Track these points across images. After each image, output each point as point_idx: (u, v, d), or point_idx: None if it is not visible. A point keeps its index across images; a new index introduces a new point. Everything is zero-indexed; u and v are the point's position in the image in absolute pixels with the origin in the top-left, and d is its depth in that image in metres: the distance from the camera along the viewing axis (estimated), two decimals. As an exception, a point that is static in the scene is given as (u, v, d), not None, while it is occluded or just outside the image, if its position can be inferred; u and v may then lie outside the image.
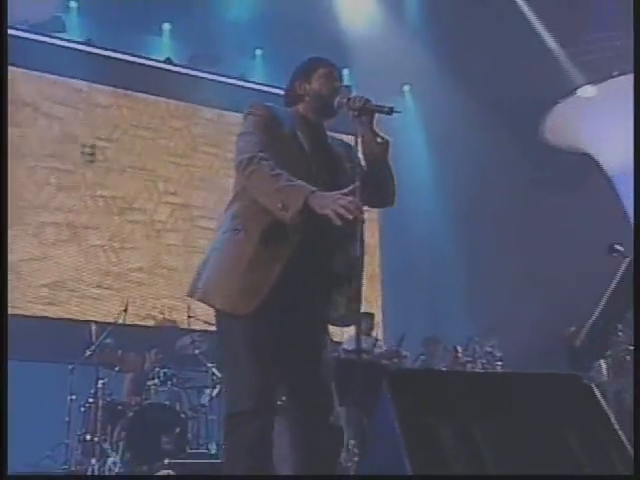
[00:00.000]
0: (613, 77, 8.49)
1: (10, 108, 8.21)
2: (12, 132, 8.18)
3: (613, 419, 1.75)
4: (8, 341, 2.45)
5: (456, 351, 6.70)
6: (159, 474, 5.01)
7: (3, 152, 3.02)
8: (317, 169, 2.60)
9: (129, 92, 9.04)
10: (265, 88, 9.40)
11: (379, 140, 2.64)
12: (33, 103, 8.47)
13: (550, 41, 8.70)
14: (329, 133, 2.74)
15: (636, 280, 2.95)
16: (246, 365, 2.41)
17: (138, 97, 9.11)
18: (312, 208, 2.31)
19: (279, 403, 2.53)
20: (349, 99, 2.64)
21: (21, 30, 8.35)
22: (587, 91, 8.83)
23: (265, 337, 2.44)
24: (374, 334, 6.60)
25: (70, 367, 6.21)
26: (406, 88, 10.35)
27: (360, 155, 2.65)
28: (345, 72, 7.47)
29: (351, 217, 2.26)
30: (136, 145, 8.94)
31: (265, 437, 2.38)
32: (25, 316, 7.74)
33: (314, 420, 2.49)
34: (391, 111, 2.57)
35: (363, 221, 2.37)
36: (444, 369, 6.49)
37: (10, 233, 7.96)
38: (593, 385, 1.87)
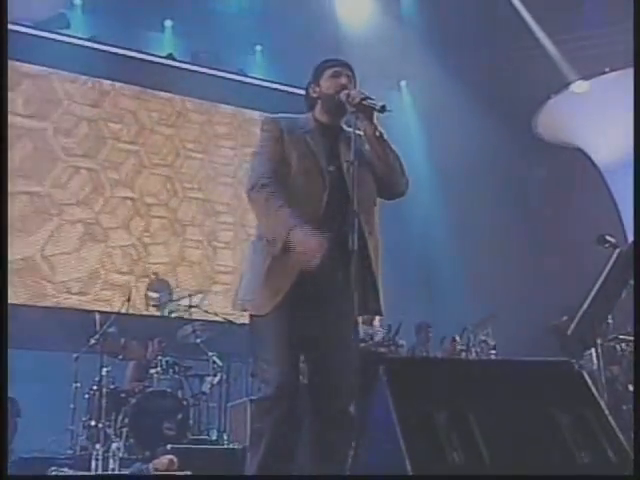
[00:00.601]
0: (605, 73, 8.48)
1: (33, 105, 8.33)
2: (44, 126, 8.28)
3: (604, 406, 1.74)
4: (9, 332, 2.44)
5: (454, 340, 6.71)
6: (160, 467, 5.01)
7: (3, 150, 3.01)
8: (330, 175, 2.65)
9: (137, 87, 9.04)
10: (265, 84, 9.41)
11: (377, 134, 2.66)
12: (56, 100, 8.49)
13: (543, 37, 8.68)
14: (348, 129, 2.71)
15: (636, 279, 2.94)
16: (270, 356, 2.51)
17: (147, 93, 9.11)
18: (292, 246, 2.45)
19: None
20: (348, 95, 2.66)
21: (25, 27, 8.32)
22: (580, 86, 8.81)
23: (287, 331, 2.52)
24: (375, 323, 6.61)
25: (75, 355, 6.22)
26: (403, 83, 10.33)
27: (366, 148, 2.69)
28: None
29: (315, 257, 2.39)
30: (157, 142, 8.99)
31: (287, 423, 2.46)
32: (36, 307, 7.78)
33: (328, 409, 2.51)
34: (383, 109, 2.59)
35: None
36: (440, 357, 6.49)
37: (48, 227, 8.14)
38: (584, 372, 1.88)
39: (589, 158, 9.27)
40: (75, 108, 8.64)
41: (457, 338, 6.81)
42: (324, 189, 2.62)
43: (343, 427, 2.46)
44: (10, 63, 8.12)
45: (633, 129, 4.98)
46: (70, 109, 8.60)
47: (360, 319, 2.58)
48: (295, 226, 2.46)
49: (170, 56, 9.21)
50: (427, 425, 1.60)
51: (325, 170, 2.65)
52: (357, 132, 2.63)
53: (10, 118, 7.79)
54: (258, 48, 9.69)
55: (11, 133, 7.83)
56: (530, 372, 1.83)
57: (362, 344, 5.62)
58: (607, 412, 1.74)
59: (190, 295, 6.99)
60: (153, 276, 7.83)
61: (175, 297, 7.35)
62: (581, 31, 8.46)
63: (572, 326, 3.13)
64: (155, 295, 7.46)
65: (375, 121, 2.65)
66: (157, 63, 9.18)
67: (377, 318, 6.69)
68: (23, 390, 6.54)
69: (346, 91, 2.68)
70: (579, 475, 1.60)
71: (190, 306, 6.85)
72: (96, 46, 8.75)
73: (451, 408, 1.63)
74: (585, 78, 8.73)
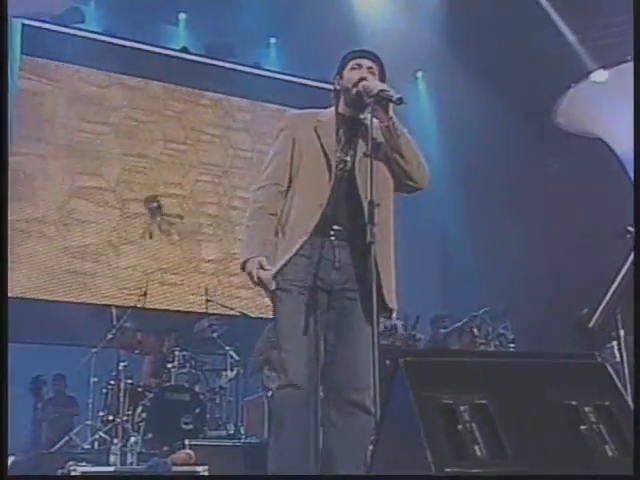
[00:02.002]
0: (627, 61, 8.38)
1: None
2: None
3: (628, 398, 1.73)
4: (8, 327, 2.48)
5: (472, 332, 6.68)
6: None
7: (3, 148, 3.04)
8: (343, 167, 2.69)
9: (148, 80, 9.07)
10: (279, 76, 9.40)
11: (393, 126, 2.67)
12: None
13: (563, 25, 8.59)
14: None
15: (636, 278, 2.92)
16: (288, 343, 2.57)
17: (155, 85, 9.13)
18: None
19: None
20: (365, 87, 2.66)
21: (40, 21, 8.37)
22: (600, 75, 8.72)
23: (305, 322, 2.57)
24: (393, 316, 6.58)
25: (93, 350, 6.27)
26: (419, 74, 10.28)
27: (383, 140, 2.70)
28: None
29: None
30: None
31: (306, 408, 2.52)
32: (49, 301, 7.85)
33: (346, 402, 2.57)
34: (400, 101, 2.59)
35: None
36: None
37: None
38: (607, 365, 1.86)
39: (609, 148, 9.19)
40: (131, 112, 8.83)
41: (475, 331, 6.78)
42: (329, 181, 2.65)
43: (361, 420, 2.47)
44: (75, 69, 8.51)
45: (633, 129, 4.93)
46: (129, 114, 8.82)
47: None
48: (251, 257, 2.60)
49: (184, 49, 9.23)
50: (448, 418, 1.59)
51: (334, 163, 2.68)
52: (374, 124, 2.64)
53: (80, 125, 8.50)
54: (273, 40, 9.69)
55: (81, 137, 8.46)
56: (552, 364, 1.82)
57: (381, 338, 5.62)
58: (632, 406, 1.72)
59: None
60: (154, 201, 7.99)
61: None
62: (601, 19, 8.37)
63: (594, 318, 3.10)
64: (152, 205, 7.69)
65: (391, 113, 2.65)
66: (171, 56, 9.21)
67: (394, 312, 6.66)
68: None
69: (364, 82, 2.69)
70: (579, 475, 1.58)
71: (207, 300, 6.90)
72: (110, 40, 8.79)
73: (472, 400, 1.62)
74: (606, 67, 8.63)
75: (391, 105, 2.63)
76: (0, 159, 2.91)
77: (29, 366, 6.47)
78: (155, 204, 8.00)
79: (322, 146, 2.71)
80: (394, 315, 2.81)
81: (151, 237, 8.25)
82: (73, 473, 4.17)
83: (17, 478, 4.17)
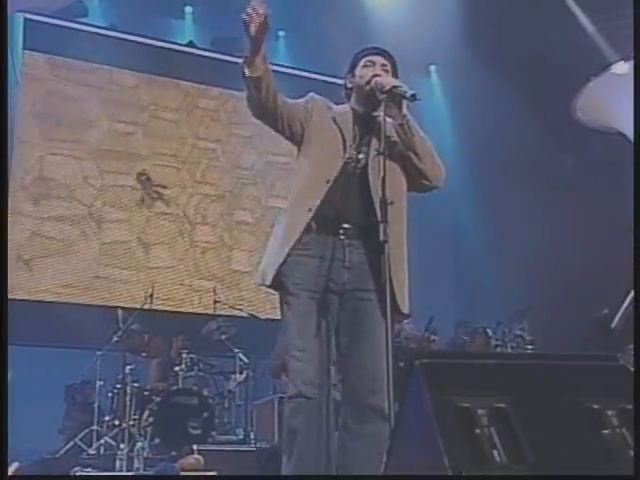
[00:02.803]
0: (648, 53, 8.32)
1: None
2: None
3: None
4: (8, 329, 2.50)
5: (486, 334, 6.66)
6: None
7: (3, 146, 3.06)
8: (351, 170, 2.70)
9: (153, 76, 9.08)
10: (288, 71, 9.39)
11: (406, 123, 2.68)
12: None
13: (583, 16, 8.54)
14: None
15: (636, 278, 2.90)
16: (298, 350, 2.56)
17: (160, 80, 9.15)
18: None
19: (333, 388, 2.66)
20: (377, 82, 2.68)
21: (43, 15, 8.40)
22: (621, 67, 8.66)
23: (316, 324, 2.58)
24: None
25: (98, 353, 6.29)
26: (432, 68, 10.27)
27: (396, 138, 2.71)
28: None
29: None
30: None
31: (320, 419, 2.52)
32: (54, 302, 7.87)
33: (362, 405, 2.56)
34: (413, 98, 2.59)
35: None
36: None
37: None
38: (630, 367, 1.85)
39: (630, 142, 9.13)
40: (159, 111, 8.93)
41: (488, 331, 6.76)
42: (341, 160, 2.69)
43: (379, 425, 2.47)
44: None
45: (634, 129, 4.91)
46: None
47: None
48: None
49: (191, 43, 9.25)
50: (466, 422, 1.58)
51: (348, 147, 2.70)
52: (387, 121, 2.64)
53: (110, 125, 8.65)
54: (281, 34, 9.68)
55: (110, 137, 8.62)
56: (573, 366, 1.81)
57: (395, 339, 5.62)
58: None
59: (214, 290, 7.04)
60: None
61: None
62: (621, 9, 8.31)
63: (616, 319, 3.09)
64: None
65: (405, 110, 2.65)
66: (177, 51, 9.23)
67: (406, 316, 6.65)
68: (45, 387, 6.68)
69: (377, 79, 2.69)
70: (579, 475, 1.58)
71: (215, 301, 6.91)
72: (114, 34, 8.81)
73: (491, 404, 1.62)
74: (626, 59, 8.58)
75: (405, 102, 2.63)
76: (0, 160, 2.93)
77: (31, 370, 6.50)
78: (144, 177, 8.31)
79: (340, 130, 2.74)
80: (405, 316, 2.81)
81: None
82: None
83: (17, 478, 4.20)
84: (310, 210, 2.62)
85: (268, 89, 2.65)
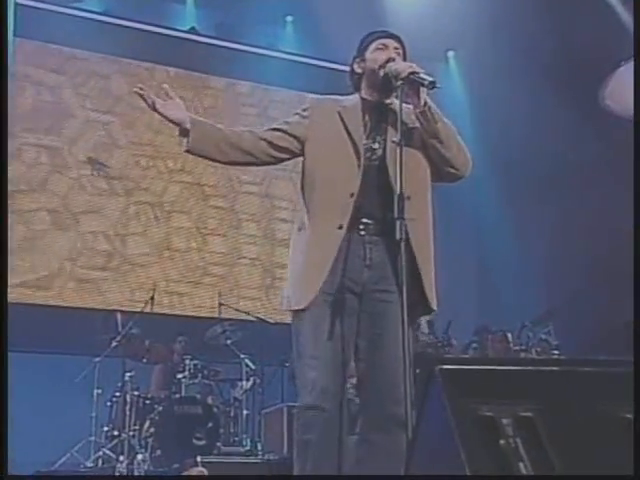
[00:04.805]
0: (683, 35, 8.26)
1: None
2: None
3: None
4: (8, 334, 2.51)
5: (506, 338, 6.62)
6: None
7: (3, 145, 3.07)
8: (372, 156, 2.69)
9: (150, 64, 9.09)
10: (296, 58, 9.38)
11: (428, 110, 2.66)
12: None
13: (612, -3, 8.49)
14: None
15: (636, 279, 2.89)
16: (309, 359, 2.56)
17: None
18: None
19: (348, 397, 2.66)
20: (393, 68, 2.66)
21: (34, 0, 8.42)
22: (657, 52, 8.60)
23: (330, 328, 2.56)
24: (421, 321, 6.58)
25: (96, 359, 6.30)
26: (450, 54, 10.25)
27: (416, 126, 2.70)
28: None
29: None
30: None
31: (335, 428, 2.50)
32: (48, 306, 7.87)
33: (378, 413, 2.55)
34: (432, 85, 2.59)
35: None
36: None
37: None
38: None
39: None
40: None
41: (508, 336, 6.72)
42: (358, 169, 2.65)
43: (397, 434, 2.45)
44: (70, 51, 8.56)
45: (634, 130, 4.89)
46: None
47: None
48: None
49: (192, 30, 9.25)
50: (489, 432, 1.57)
51: (362, 150, 2.67)
52: (405, 109, 2.62)
53: (82, 113, 8.59)
54: (289, 19, 9.68)
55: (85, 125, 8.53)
56: (604, 373, 1.79)
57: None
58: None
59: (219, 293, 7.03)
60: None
61: None
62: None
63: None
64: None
65: (425, 97, 2.63)
66: (177, 37, 9.23)
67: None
68: (39, 397, 6.70)
69: (391, 64, 2.67)
70: (579, 475, 1.56)
71: (220, 304, 6.92)
72: (110, 20, 8.81)
73: (516, 413, 1.61)
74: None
75: (423, 89, 2.61)
76: (0, 162, 2.95)
77: (26, 377, 6.51)
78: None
79: (348, 132, 2.71)
80: (422, 321, 2.83)
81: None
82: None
83: (17, 478, 4.23)
84: (341, 228, 2.60)
85: (219, 147, 2.70)
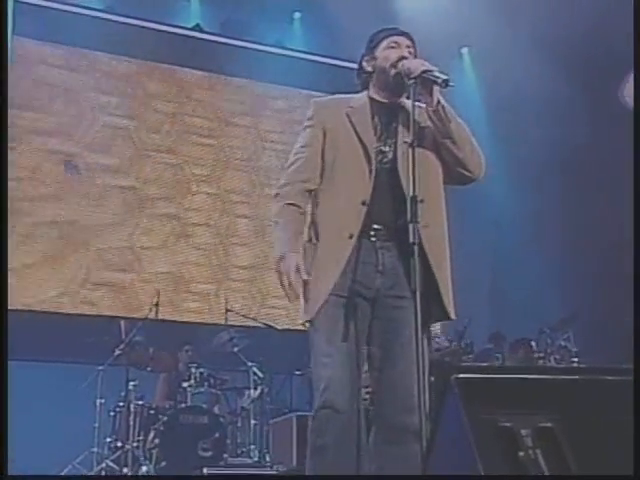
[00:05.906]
0: None
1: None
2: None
3: None
4: (8, 341, 2.52)
5: (530, 346, 6.60)
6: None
7: (3, 147, 3.09)
8: (383, 158, 2.69)
9: (153, 63, 9.11)
10: (304, 56, 9.39)
11: (441, 110, 2.66)
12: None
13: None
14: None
15: (636, 280, 2.88)
16: (322, 357, 2.57)
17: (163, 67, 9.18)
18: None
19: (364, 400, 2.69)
20: (406, 66, 2.66)
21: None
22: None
23: (342, 334, 2.57)
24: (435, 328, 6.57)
25: (99, 368, 6.30)
26: (464, 50, 10.24)
27: (428, 126, 2.70)
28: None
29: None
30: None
31: (349, 432, 2.50)
32: (50, 313, 7.88)
33: (393, 423, 2.56)
34: (446, 84, 2.59)
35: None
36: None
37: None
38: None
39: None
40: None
41: (532, 343, 6.71)
42: (370, 175, 2.65)
43: (412, 445, 2.44)
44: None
45: (634, 130, 4.87)
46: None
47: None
48: (284, 255, 2.60)
49: (197, 27, 9.27)
50: (508, 443, 1.57)
51: (373, 154, 2.67)
52: (417, 109, 2.62)
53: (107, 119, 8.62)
54: (297, 15, 9.69)
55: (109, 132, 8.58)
56: (626, 382, 1.78)
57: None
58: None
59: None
60: None
61: None
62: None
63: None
64: None
65: (439, 96, 2.63)
66: (181, 35, 9.25)
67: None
68: (40, 406, 6.71)
69: (404, 62, 2.67)
70: (579, 475, 1.56)
71: (227, 310, 6.92)
72: (112, 17, 8.84)
73: (535, 424, 1.60)
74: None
75: (436, 88, 2.61)
76: (1, 167, 2.97)
77: (27, 386, 6.53)
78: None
79: (358, 135, 2.70)
80: (436, 327, 2.83)
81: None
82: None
83: (17, 478, 4.24)
84: (352, 237, 2.61)
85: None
